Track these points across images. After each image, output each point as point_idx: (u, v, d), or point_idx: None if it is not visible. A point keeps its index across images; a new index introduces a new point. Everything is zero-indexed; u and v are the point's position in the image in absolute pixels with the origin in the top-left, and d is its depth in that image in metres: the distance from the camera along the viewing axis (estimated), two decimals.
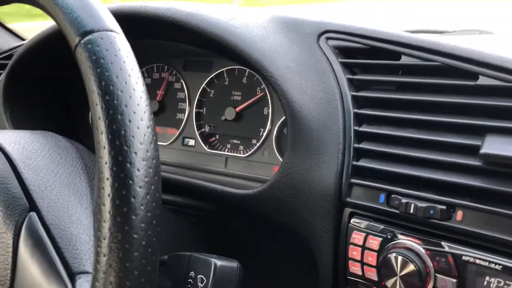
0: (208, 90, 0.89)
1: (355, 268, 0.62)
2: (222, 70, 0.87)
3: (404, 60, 0.64)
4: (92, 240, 0.48)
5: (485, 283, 0.52)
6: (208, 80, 0.89)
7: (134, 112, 0.36)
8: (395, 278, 0.57)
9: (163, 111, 0.95)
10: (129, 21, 0.75)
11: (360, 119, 0.65)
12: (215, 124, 0.88)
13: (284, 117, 0.78)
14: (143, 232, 0.35)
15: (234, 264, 0.59)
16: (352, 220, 0.62)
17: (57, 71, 0.94)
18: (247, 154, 0.84)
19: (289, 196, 0.67)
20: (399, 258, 0.56)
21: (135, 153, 0.35)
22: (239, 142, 0.86)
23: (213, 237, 0.91)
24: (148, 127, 0.37)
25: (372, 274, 0.60)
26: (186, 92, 0.92)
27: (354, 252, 0.61)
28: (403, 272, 0.56)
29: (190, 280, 0.57)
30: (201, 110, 0.90)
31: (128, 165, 0.35)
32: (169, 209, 0.85)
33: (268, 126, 0.82)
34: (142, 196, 0.35)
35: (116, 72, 0.36)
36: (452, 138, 0.58)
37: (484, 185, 0.54)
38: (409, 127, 0.62)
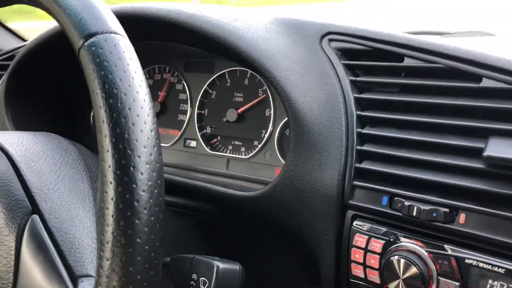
0: (210, 91, 0.89)
1: (357, 271, 0.62)
2: (224, 71, 0.87)
3: (407, 62, 0.64)
4: (94, 243, 0.48)
5: (488, 286, 0.52)
6: (210, 82, 0.89)
7: (138, 115, 0.36)
8: (398, 281, 0.57)
9: (164, 112, 0.94)
10: (131, 22, 0.75)
11: (363, 121, 0.65)
12: (216, 125, 0.88)
13: (286, 118, 0.78)
14: (146, 236, 0.35)
15: (236, 266, 0.59)
16: (354, 223, 0.62)
17: (59, 72, 0.94)
18: (249, 155, 0.83)
19: (291, 198, 0.66)
20: (402, 261, 0.56)
21: (139, 156, 0.35)
22: (240, 143, 0.85)
23: (214, 238, 0.91)
24: (151, 130, 0.36)
25: (375, 277, 0.60)
26: (187, 93, 0.91)
27: (357, 255, 0.61)
28: (406, 275, 0.56)
29: (193, 282, 0.57)
30: (203, 112, 0.90)
31: (131, 168, 0.35)
32: (171, 211, 0.85)
33: (270, 128, 0.82)
34: (146, 200, 0.35)
35: (119, 75, 0.36)
36: (455, 140, 0.58)
37: (487, 188, 0.53)
38: (412, 129, 0.61)
